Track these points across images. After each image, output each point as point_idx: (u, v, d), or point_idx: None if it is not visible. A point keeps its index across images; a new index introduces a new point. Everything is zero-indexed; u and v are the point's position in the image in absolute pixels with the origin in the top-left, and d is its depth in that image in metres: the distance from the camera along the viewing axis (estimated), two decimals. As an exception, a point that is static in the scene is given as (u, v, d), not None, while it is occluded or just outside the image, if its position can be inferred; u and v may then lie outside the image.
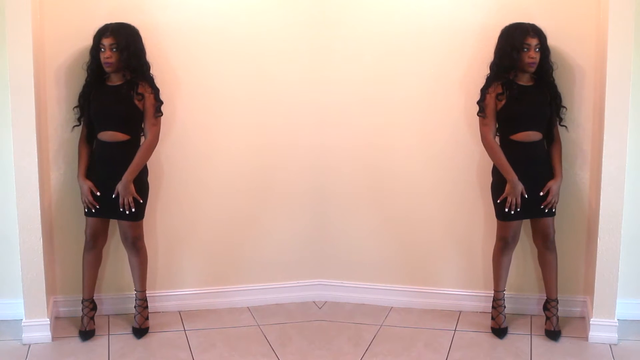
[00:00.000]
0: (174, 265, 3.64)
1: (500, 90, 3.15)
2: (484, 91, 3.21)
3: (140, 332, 3.32)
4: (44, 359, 3.08)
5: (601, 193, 3.13)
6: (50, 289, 3.35)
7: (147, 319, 3.37)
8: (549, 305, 3.33)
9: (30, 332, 3.18)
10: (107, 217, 3.26)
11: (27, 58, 3.00)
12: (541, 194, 3.18)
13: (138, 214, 3.23)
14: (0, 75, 3.10)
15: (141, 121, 3.19)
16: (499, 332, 3.33)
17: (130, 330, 3.35)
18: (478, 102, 3.23)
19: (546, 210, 3.20)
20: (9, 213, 3.23)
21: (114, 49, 3.08)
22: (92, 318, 3.32)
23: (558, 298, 3.32)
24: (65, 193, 3.35)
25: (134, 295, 3.39)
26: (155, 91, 3.19)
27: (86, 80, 3.19)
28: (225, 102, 3.56)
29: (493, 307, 3.40)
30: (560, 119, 3.26)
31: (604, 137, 3.10)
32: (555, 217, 3.26)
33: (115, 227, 3.39)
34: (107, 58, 3.08)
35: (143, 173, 3.24)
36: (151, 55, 3.24)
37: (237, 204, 3.67)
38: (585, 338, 3.25)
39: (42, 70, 3.22)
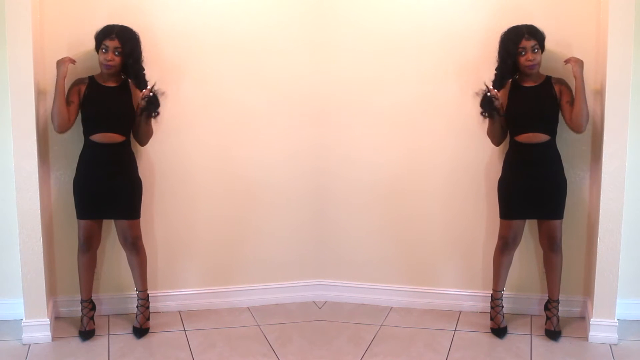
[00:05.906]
0: (174, 266, 3.64)
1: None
2: None
3: (140, 332, 3.32)
4: (44, 359, 3.07)
5: (601, 193, 3.13)
6: (50, 289, 3.36)
7: (148, 319, 3.38)
8: (550, 305, 3.33)
9: (30, 332, 3.18)
10: (103, 217, 3.27)
11: (27, 58, 3.01)
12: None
13: (135, 211, 3.25)
14: (0, 75, 3.10)
15: (133, 123, 3.22)
16: (498, 332, 3.33)
17: (130, 330, 3.35)
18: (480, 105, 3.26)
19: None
20: (9, 213, 3.23)
21: (117, 53, 3.08)
22: (91, 318, 3.33)
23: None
24: (65, 193, 3.34)
25: (135, 295, 3.39)
26: None
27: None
28: (224, 101, 3.55)
29: (491, 307, 3.40)
30: None
31: (604, 137, 3.11)
32: (555, 217, 3.26)
33: (108, 227, 3.40)
34: (109, 60, 3.09)
35: (133, 169, 3.26)
36: (147, 55, 3.24)
37: (237, 204, 3.67)
38: (585, 338, 3.25)
39: (42, 70, 3.21)
